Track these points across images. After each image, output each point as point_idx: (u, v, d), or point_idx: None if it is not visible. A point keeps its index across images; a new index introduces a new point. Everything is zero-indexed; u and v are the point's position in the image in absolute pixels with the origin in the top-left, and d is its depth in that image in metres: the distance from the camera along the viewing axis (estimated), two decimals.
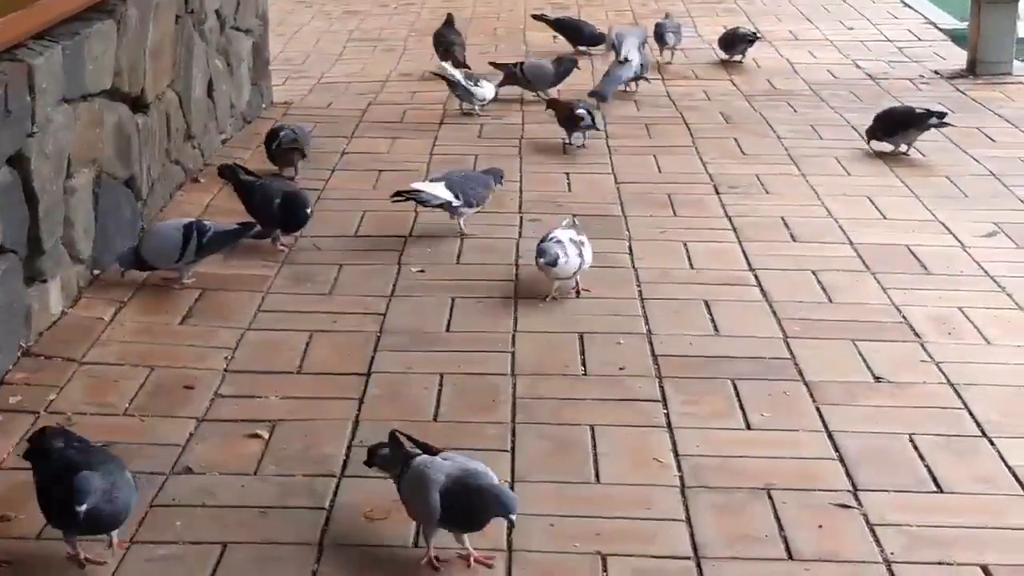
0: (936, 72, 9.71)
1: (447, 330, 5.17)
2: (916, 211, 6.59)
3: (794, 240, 6.19)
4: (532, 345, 5.01)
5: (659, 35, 9.87)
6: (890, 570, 3.60)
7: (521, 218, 6.45)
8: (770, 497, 3.93)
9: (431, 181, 6.24)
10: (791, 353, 4.93)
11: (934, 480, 4.05)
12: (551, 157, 7.57)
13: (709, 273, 5.75)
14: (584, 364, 4.86)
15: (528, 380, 4.71)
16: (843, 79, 9.53)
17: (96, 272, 5.53)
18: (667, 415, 4.46)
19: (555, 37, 10.69)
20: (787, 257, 5.94)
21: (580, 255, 5.34)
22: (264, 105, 8.61)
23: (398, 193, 6.17)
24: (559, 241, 5.33)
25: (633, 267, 5.82)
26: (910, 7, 12.39)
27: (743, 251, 6.01)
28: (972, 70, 9.58)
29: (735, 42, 10.02)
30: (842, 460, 4.16)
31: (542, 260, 5.28)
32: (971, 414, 4.46)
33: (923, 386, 4.69)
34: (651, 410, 4.49)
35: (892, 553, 3.67)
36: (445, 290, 5.53)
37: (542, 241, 5.39)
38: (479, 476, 3.54)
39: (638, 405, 4.53)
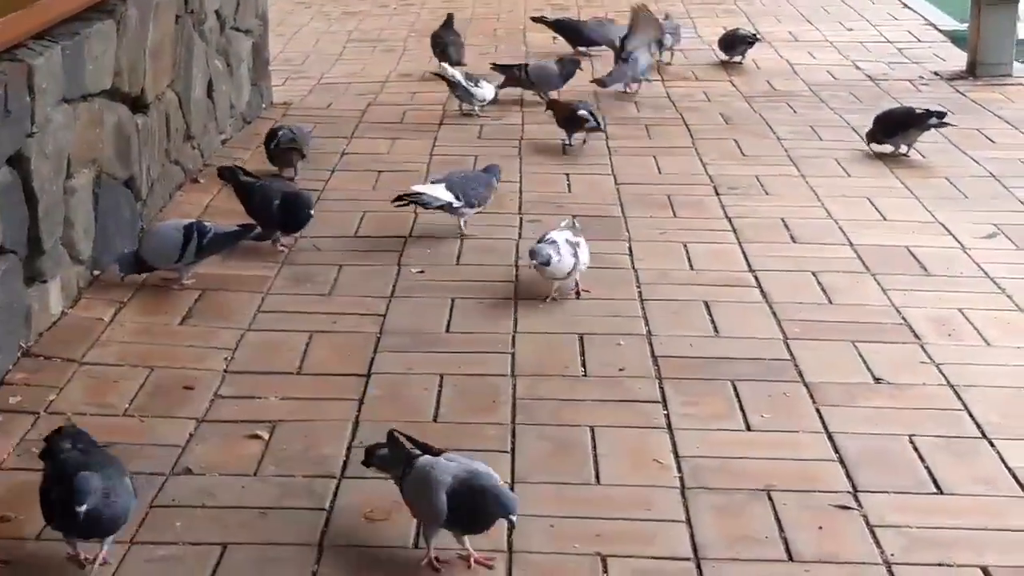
0: (936, 73, 9.71)
1: (447, 331, 5.17)
2: (916, 212, 6.59)
3: (794, 241, 6.19)
4: (532, 346, 5.01)
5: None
6: (890, 571, 3.60)
7: (521, 219, 6.45)
8: (770, 498, 3.93)
9: (431, 183, 6.24)
10: (791, 354, 4.93)
11: (934, 481, 4.05)
12: (551, 158, 7.57)
13: (709, 274, 5.75)
14: (584, 365, 4.86)
15: (528, 381, 4.71)
16: (843, 80, 9.53)
17: (96, 272, 5.53)
18: (667, 416, 4.46)
19: (555, 38, 10.69)
20: (787, 258, 5.94)
21: (575, 255, 5.33)
22: (264, 105, 8.61)
23: (399, 197, 6.17)
24: (553, 242, 5.33)
25: (633, 268, 5.82)
26: (910, 8, 12.39)
27: (743, 252, 6.01)
28: (972, 71, 9.58)
29: (735, 43, 10.03)
30: (842, 461, 4.16)
31: (535, 261, 5.27)
32: (971, 415, 4.46)
33: (923, 387, 4.69)
34: (651, 411, 4.49)
35: (892, 554, 3.67)
36: (445, 291, 5.53)
37: (537, 242, 5.39)
38: (483, 477, 3.54)
39: (638, 406, 4.53)
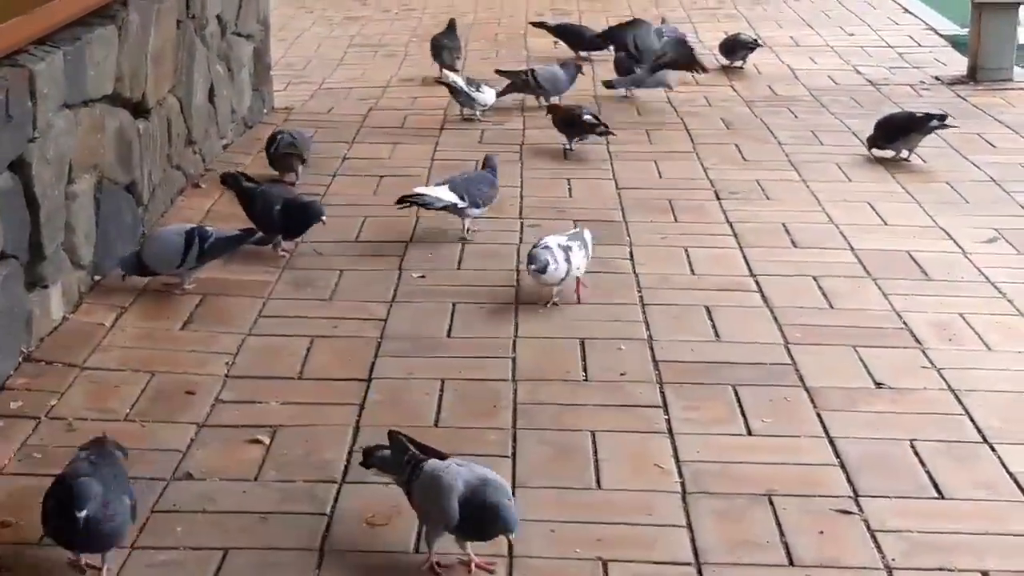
0: (937, 78, 9.72)
1: (448, 335, 5.17)
2: (917, 217, 6.59)
3: (795, 246, 6.19)
4: (533, 351, 5.01)
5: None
6: None
7: (522, 224, 6.45)
8: (771, 503, 3.93)
9: (434, 186, 6.24)
10: (792, 359, 4.93)
11: (935, 486, 4.05)
12: (552, 162, 7.57)
13: (710, 279, 5.75)
14: (585, 370, 4.86)
15: (529, 386, 4.71)
16: (844, 85, 9.53)
17: (97, 278, 5.53)
18: (668, 421, 4.46)
19: (555, 43, 10.70)
20: (788, 263, 5.94)
21: (568, 260, 5.32)
22: (265, 110, 8.62)
23: (402, 199, 6.18)
24: (547, 247, 5.32)
25: (634, 273, 5.82)
26: (911, 13, 12.40)
27: (744, 257, 6.01)
28: (973, 76, 9.58)
29: (736, 48, 10.04)
30: (843, 466, 4.16)
31: (532, 266, 5.26)
32: (972, 420, 4.46)
33: (924, 392, 4.69)
34: (652, 416, 4.49)
35: (893, 559, 3.67)
36: (446, 295, 5.53)
37: (533, 247, 5.38)
38: (492, 490, 3.51)
39: (639, 411, 4.53)
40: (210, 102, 7.37)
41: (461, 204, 6.09)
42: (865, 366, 4.87)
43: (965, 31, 10.44)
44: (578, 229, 5.66)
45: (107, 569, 3.54)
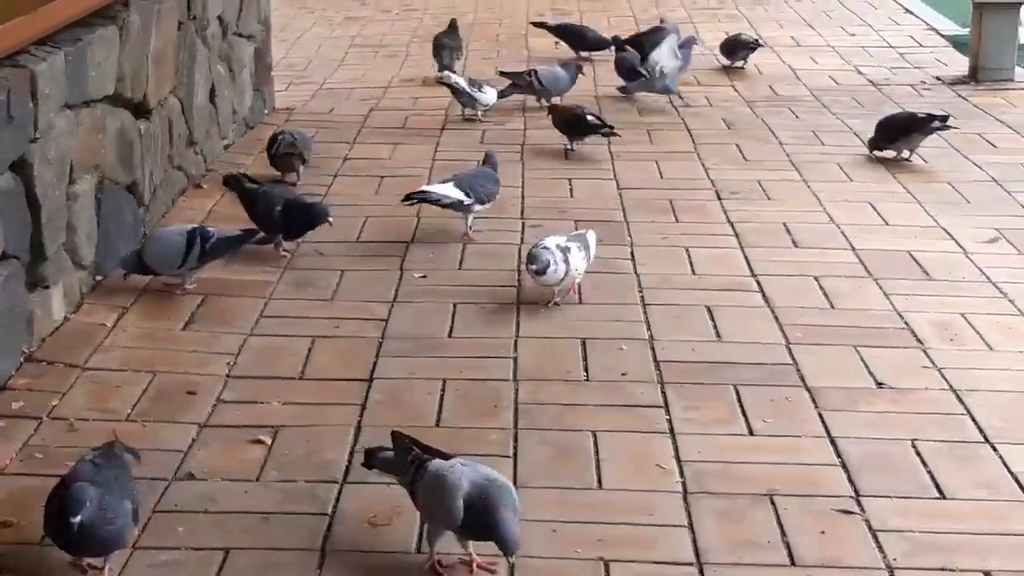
0: (938, 78, 9.72)
1: (449, 335, 5.17)
2: (918, 217, 6.59)
3: (796, 246, 6.19)
4: (534, 351, 5.01)
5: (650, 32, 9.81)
6: None
7: (523, 224, 6.45)
8: (772, 503, 3.93)
9: (439, 184, 6.25)
10: (793, 359, 4.93)
11: (936, 486, 4.05)
12: (553, 163, 7.57)
13: (711, 279, 5.75)
14: (586, 370, 4.86)
15: (530, 386, 4.71)
16: (845, 85, 9.53)
17: (98, 278, 5.54)
18: (669, 421, 4.46)
19: (556, 43, 10.70)
20: (789, 263, 5.94)
21: (566, 261, 5.31)
22: (266, 111, 8.62)
23: (408, 196, 6.19)
24: (546, 247, 5.31)
25: (635, 273, 5.82)
26: (912, 13, 12.40)
27: (745, 257, 6.01)
28: (974, 76, 9.58)
29: (737, 48, 10.04)
30: (844, 466, 4.16)
31: (533, 266, 5.25)
32: (973, 420, 4.47)
33: (925, 392, 4.69)
34: (653, 416, 4.49)
35: (894, 559, 3.67)
36: (447, 295, 5.53)
37: (532, 247, 5.38)
38: (497, 493, 3.50)
39: (640, 411, 4.53)
40: (211, 102, 7.38)
41: (467, 201, 6.10)
42: (866, 366, 4.87)
43: (966, 31, 10.44)
44: (581, 231, 5.66)
45: (108, 570, 3.54)
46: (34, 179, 4.85)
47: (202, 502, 3.93)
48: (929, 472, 4.12)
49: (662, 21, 10.36)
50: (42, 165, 4.92)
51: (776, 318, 5.31)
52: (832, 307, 5.45)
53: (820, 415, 4.50)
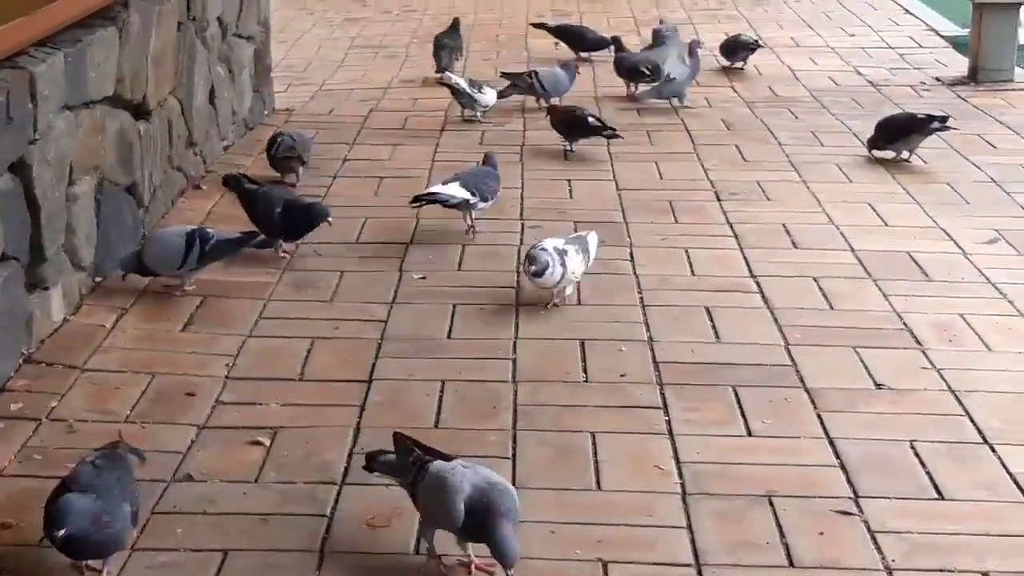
0: (937, 79, 9.72)
1: (448, 337, 5.17)
2: (917, 218, 6.59)
3: (795, 247, 6.19)
4: (533, 352, 5.01)
5: (658, 41, 9.84)
6: None
7: (522, 225, 6.46)
8: (771, 504, 3.94)
9: (443, 184, 6.25)
10: (792, 360, 4.94)
11: (935, 487, 4.05)
12: (552, 164, 7.57)
13: (710, 280, 5.76)
14: (585, 371, 4.86)
15: (529, 387, 4.71)
16: (844, 86, 9.53)
17: (98, 279, 5.54)
18: (668, 422, 4.46)
19: (556, 44, 10.70)
20: (788, 264, 5.94)
21: (563, 264, 5.30)
22: (266, 112, 8.62)
23: (417, 198, 6.19)
24: (544, 249, 5.31)
25: (634, 274, 5.82)
26: (911, 14, 12.40)
27: (744, 258, 6.02)
28: (973, 77, 9.58)
29: (736, 49, 10.04)
30: (843, 467, 4.16)
31: (532, 268, 5.25)
32: (972, 421, 4.47)
33: (924, 393, 4.69)
34: (652, 417, 4.49)
35: (893, 560, 3.67)
36: (446, 297, 5.53)
37: (531, 248, 5.37)
38: (502, 498, 3.50)
39: (639, 412, 4.53)
40: (211, 104, 7.38)
41: (473, 200, 6.11)
42: (865, 367, 4.87)
43: (966, 32, 10.44)
44: (582, 233, 5.66)
45: (107, 572, 3.54)
46: (33, 180, 4.85)
47: (201, 503, 3.93)
48: (928, 473, 4.12)
49: (661, 22, 10.37)
50: (41, 166, 4.92)
51: (775, 319, 5.31)
52: (831, 308, 5.45)
53: (819, 416, 4.50)
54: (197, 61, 7.06)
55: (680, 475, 4.11)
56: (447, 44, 9.71)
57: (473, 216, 6.22)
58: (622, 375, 4.81)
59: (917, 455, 4.23)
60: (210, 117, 7.37)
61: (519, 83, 8.69)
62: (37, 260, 4.94)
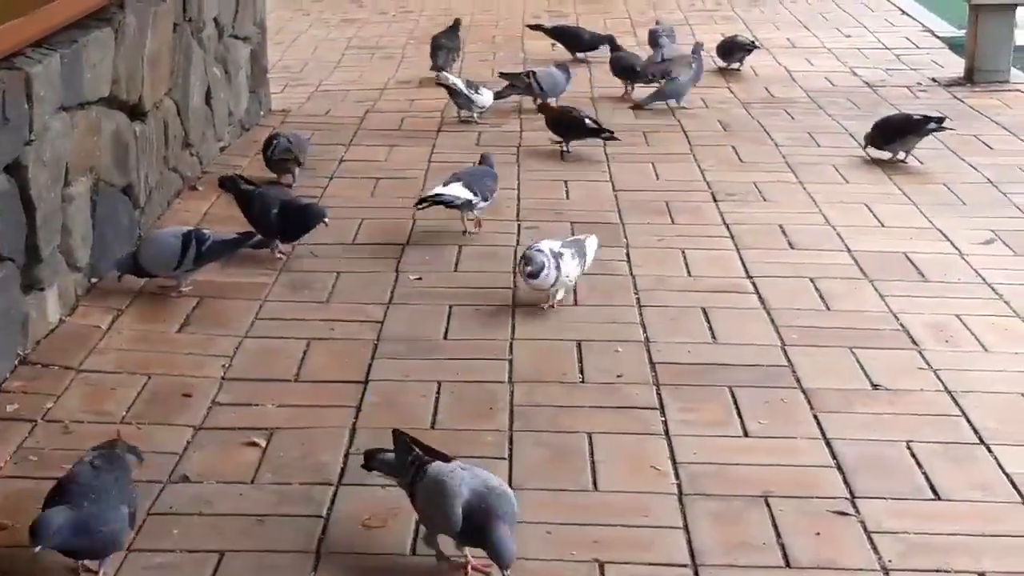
0: (934, 80, 9.72)
1: (445, 338, 5.17)
2: (914, 219, 6.59)
3: (792, 248, 6.19)
4: (530, 353, 5.01)
5: (654, 41, 9.86)
6: None
7: (519, 226, 6.46)
8: (767, 504, 3.93)
9: (444, 184, 6.25)
10: (789, 361, 4.93)
11: (931, 487, 4.05)
12: (549, 164, 7.57)
13: (707, 280, 5.76)
14: (582, 372, 4.86)
15: (526, 388, 4.71)
16: (841, 87, 9.54)
17: (94, 280, 5.53)
18: (665, 423, 4.46)
19: (553, 45, 10.71)
20: (785, 265, 5.94)
21: (557, 268, 5.30)
22: (262, 113, 8.62)
23: (421, 200, 6.19)
24: (540, 250, 5.31)
25: (631, 274, 5.82)
26: (908, 15, 12.41)
27: (741, 259, 6.02)
28: (970, 78, 9.59)
29: (733, 50, 10.04)
30: (840, 467, 4.16)
31: (528, 268, 5.24)
32: (969, 421, 4.47)
33: (920, 393, 4.69)
34: (649, 418, 4.49)
35: (889, 560, 3.67)
36: (443, 298, 5.53)
37: (527, 249, 5.37)
38: (500, 502, 3.50)
39: (636, 413, 4.53)
40: (207, 104, 7.38)
41: (475, 199, 6.12)
42: (862, 367, 4.87)
43: (962, 33, 10.45)
44: (580, 236, 5.65)
45: (103, 572, 3.54)
46: (29, 181, 4.85)
47: (197, 504, 3.92)
48: (924, 473, 4.12)
49: (658, 23, 10.37)
50: (37, 167, 4.92)
51: (771, 320, 5.31)
52: (828, 309, 5.45)
53: (815, 416, 4.50)
54: (193, 62, 7.06)
55: (676, 475, 4.11)
56: (444, 44, 9.72)
57: (474, 213, 6.22)
58: (618, 376, 4.81)
59: (913, 455, 4.23)
60: (206, 118, 7.37)
61: (517, 83, 8.69)
62: (33, 261, 4.94)
